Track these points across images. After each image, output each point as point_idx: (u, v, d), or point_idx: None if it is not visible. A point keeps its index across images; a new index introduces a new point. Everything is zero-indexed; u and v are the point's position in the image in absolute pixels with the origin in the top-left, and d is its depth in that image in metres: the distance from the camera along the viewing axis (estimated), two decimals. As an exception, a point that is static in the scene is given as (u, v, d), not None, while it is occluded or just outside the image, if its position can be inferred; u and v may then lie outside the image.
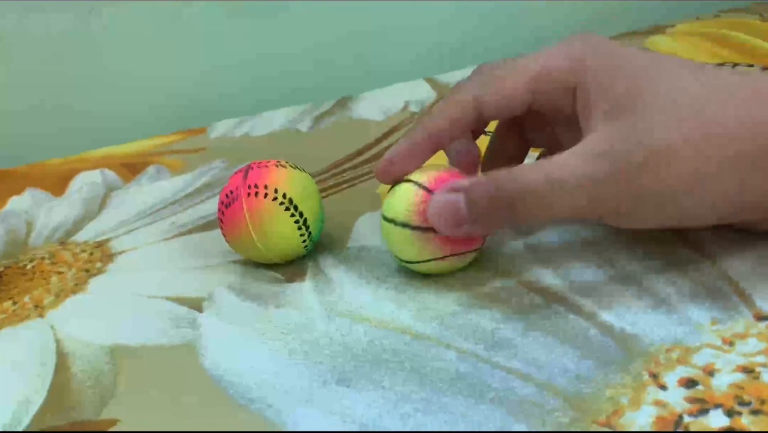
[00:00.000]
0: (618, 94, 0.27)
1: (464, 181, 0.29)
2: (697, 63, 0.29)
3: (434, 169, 0.32)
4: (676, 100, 0.26)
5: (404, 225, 0.31)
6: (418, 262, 0.31)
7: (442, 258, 0.31)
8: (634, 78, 0.27)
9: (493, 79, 0.31)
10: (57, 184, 0.51)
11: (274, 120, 0.57)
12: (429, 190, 0.30)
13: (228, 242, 0.35)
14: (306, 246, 0.35)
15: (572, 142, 0.28)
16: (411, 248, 0.31)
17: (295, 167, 0.35)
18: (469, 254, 0.32)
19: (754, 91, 0.26)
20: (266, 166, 0.34)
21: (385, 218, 0.31)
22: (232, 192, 0.34)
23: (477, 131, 0.34)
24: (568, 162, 0.27)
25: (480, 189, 0.28)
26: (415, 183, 0.31)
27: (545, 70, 0.30)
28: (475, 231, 0.29)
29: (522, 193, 0.27)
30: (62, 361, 0.31)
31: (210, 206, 0.44)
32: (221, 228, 0.35)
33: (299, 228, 0.34)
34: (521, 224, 0.29)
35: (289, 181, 0.34)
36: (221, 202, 0.34)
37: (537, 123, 0.33)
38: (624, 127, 0.26)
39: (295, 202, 0.33)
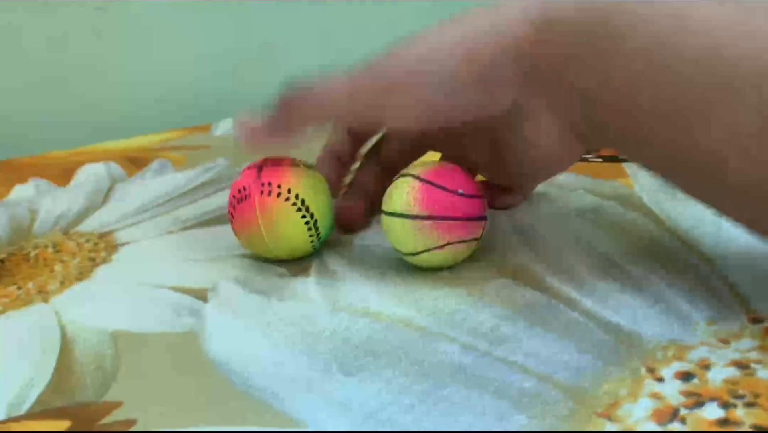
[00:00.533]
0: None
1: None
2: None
3: (432, 164, 0.33)
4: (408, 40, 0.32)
5: (402, 215, 0.32)
6: (418, 253, 0.32)
7: (440, 247, 0.32)
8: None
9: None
10: (61, 175, 0.52)
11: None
12: (427, 181, 0.31)
13: (237, 236, 0.35)
14: (314, 245, 0.35)
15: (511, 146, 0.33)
16: (410, 238, 0.32)
17: (309, 166, 0.35)
18: (466, 244, 0.32)
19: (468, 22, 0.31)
20: (280, 165, 0.35)
21: (385, 212, 0.32)
22: (244, 188, 0.34)
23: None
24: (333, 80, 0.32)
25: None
26: (412, 176, 0.32)
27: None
28: (263, 129, 0.33)
29: (303, 96, 0.32)
30: (66, 345, 0.31)
31: (213, 203, 0.44)
32: (231, 222, 0.35)
33: (309, 228, 0.34)
34: (307, 120, 0.33)
35: (302, 181, 0.34)
36: (233, 197, 0.35)
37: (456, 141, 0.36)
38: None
39: (306, 203, 0.34)
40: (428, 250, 0.32)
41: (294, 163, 0.35)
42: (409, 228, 0.32)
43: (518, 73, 0.30)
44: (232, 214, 0.35)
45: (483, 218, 0.33)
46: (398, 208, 0.32)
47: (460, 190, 0.32)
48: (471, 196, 0.32)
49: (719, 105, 0.25)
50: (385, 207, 0.33)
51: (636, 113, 0.27)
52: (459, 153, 0.36)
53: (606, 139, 0.30)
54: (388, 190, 0.33)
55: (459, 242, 0.32)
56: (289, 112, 0.33)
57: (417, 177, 0.32)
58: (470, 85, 0.31)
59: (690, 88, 0.26)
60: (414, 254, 0.32)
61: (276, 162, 0.35)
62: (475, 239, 0.33)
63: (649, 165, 0.29)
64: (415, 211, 0.31)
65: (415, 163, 0.34)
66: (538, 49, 0.29)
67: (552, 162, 0.33)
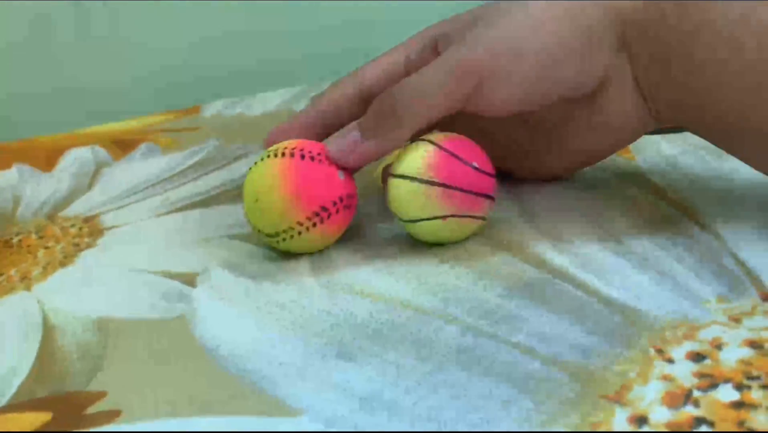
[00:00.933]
0: (463, 24, 0.33)
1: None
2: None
3: (451, 135, 0.32)
4: (500, 27, 0.31)
5: (411, 178, 0.31)
6: (419, 220, 0.31)
7: (443, 218, 0.31)
8: (476, 15, 0.33)
9: (372, 63, 0.35)
10: (46, 160, 0.50)
11: (270, 100, 0.57)
12: (444, 149, 0.31)
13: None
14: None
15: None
16: (415, 203, 0.31)
17: None
18: (469, 219, 0.31)
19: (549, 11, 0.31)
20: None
21: (394, 175, 0.31)
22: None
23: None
24: (426, 71, 0.31)
25: (370, 111, 0.32)
26: (430, 141, 0.31)
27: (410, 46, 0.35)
28: (371, 146, 0.31)
29: (399, 101, 0.31)
30: (48, 333, 0.30)
31: (203, 184, 0.43)
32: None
33: None
34: (407, 126, 0.31)
35: None
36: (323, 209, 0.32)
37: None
38: (461, 38, 0.32)
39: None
40: (430, 218, 0.31)
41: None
42: (415, 192, 0.31)
43: (614, 38, 0.30)
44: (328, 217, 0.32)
45: (491, 197, 0.32)
46: (408, 171, 0.31)
47: (474, 164, 0.31)
48: (484, 173, 0.31)
49: None
50: (394, 169, 0.32)
51: (725, 91, 0.29)
52: (494, 137, 0.35)
53: (682, 117, 0.31)
54: (400, 152, 0.32)
55: (463, 215, 0.31)
56: (394, 117, 0.31)
57: (435, 143, 0.31)
58: (575, 51, 0.30)
59: None
60: (414, 221, 0.31)
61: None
62: (479, 217, 0.32)
63: (723, 140, 0.31)
64: (426, 176, 0.31)
65: (435, 131, 0.33)
66: (634, 15, 0.30)
67: (620, 138, 0.33)
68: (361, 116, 0.33)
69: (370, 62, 0.36)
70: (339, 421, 0.23)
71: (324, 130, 0.34)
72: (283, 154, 0.32)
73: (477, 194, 0.31)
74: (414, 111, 0.31)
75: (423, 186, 0.31)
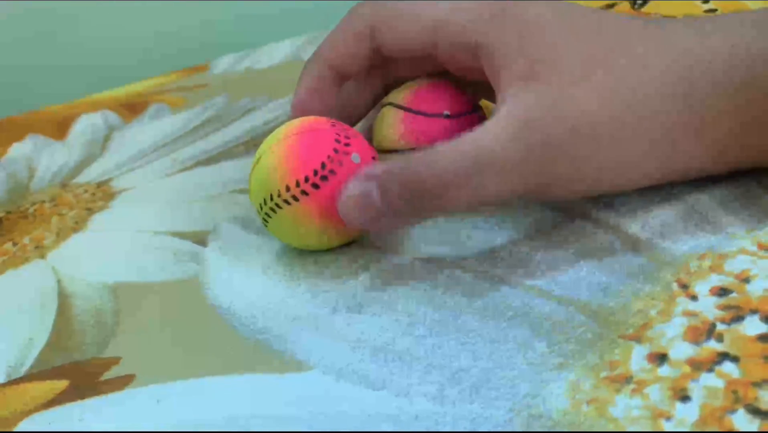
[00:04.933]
0: (532, 57, 0.24)
1: (378, 168, 0.25)
2: (611, 16, 0.26)
3: (413, 85, 0.29)
4: (593, 64, 0.24)
5: (392, 151, 0.29)
6: None
7: None
8: (547, 37, 0.25)
9: (392, 12, 0.28)
10: (58, 128, 0.50)
11: (278, 51, 0.55)
12: (407, 109, 0.29)
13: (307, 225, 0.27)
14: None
15: None
16: None
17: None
18: None
19: (671, 52, 0.24)
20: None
21: (379, 150, 0.30)
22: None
23: (381, 67, 0.30)
24: (495, 138, 0.24)
25: (392, 179, 0.24)
26: (393, 105, 0.29)
27: (443, 23, 0.27)
28: (396, 225, 0.26)
29: (441, 180, 0.24)
30: (64, 301, 0.30)
31: (212, 141, 0.42)
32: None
33: None
34: (447, 213, 0.26)
35: None
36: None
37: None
38: (545, 93, 0.24)
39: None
40: None
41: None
42: None
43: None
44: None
45: None
46: (386, 144, 0.29)
47: (445, 112, 0.29)
48: (459, 115, 0.29)
49: None
50: (375, 143, 0.30)
51: None
52: None
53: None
54: (375, 122, 0.30)
55: None
56: (419, 200, 0.24)
57: (397, 105, 0.29)
58: (685, 137, 0.24)
59: None
60: None
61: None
62: None
63: None
64: (401, 144, 0.29)
65: (401, 86, 0.30)
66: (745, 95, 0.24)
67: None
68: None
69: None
70: (350, 372, 0.23)
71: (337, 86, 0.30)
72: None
73: None
74: (457, 203, 0.24)
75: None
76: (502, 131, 0.24)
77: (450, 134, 0.28)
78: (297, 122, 0.28)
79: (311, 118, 0.28)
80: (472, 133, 0.24)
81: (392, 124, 0.29)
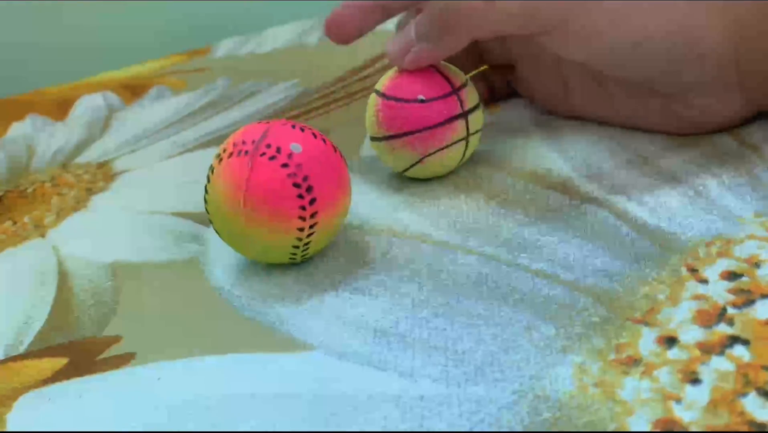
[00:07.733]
0: None
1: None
2: None
3: (395, 73, 0.30)
4: None
5: (374, 139, 0.30)
6: (406, 169, 0.30)
7: (421, 162, 0.29)
8: None
9: None
10: (58, 109, 0.49)
11: (280, 36, 0.55)
12: (385, 96, 0.29)
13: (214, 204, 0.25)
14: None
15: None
16: (391, 159, 0.30)
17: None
18: (447, 149, 0.29)
19: None
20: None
21: (370, 137, 0.30)
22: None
23: None
24: None
25: (425, 14, 0.29)
26: (376, 91, 0.30)
27: None
28: (422, 51, 0.29)
29: (460, 7, 0.28)
30: (63, 280, 0.30)
31: (213, 124, 0.42)
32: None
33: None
34: (467, 37, 0.29)
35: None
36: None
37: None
38: None
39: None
40: (412, 166, 0.30)
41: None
42: (383, 150, 0.30)
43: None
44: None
45: (457, 117, 0.29)
46: (372, 132, 0.30)
47: (420, 97, 0.28)
48: (434, 100, 0.28)
49: None
50: (367, 131, 0.31)
51: None
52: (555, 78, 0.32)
53: None
54: (367, 109, 0.30)
55: (437, 151, 0.29)
56: (447, 26, 0.28)
57: (378, 92, 0.30)
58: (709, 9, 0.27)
59: None
60: (405, 171, 0.30)
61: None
62: (458, 141, 0.29)
63: None
64: (381, 133, 0.29)
65: (387, 72, 0.31)
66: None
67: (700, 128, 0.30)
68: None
69: None
70: (352, 354, 0.22)
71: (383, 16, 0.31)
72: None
73: (437, 126, 0.29)
74: (474, 27, 0.28)
75: (383, 143, 0.29)
76: None
77: (425, 119, 0.28)
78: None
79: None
80: None
81: (373, 112, 0.30)
